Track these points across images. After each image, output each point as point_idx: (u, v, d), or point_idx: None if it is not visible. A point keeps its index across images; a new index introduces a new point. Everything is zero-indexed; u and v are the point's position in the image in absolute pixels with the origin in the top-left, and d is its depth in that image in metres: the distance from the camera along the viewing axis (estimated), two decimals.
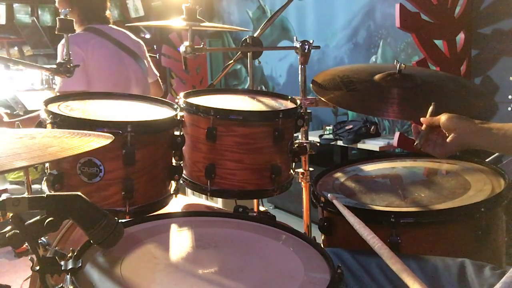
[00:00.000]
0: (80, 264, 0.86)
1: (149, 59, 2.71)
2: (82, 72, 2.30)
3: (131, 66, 2.51)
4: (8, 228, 0.81)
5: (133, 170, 1.19)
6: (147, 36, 5.92)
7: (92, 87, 2.37)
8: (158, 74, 2.76)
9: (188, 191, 3.06)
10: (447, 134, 1.21)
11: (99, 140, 0.88)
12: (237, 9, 5.55)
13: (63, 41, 2.37)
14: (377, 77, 1.53)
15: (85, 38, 2.40)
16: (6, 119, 2.36)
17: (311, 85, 1.54)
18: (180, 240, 1.07)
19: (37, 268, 0.82)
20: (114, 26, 2.59)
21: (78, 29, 2.49)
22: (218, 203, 3.07)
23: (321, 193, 1.42)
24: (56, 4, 2.49)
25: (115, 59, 2.44)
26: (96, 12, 2.50)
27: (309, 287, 0.89)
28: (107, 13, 2.57)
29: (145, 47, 2.67)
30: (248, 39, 1.77)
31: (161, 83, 2.79)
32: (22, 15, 5.87)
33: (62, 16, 1.54)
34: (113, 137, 0.92)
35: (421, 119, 1.26)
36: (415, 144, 1.23)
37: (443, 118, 1.21)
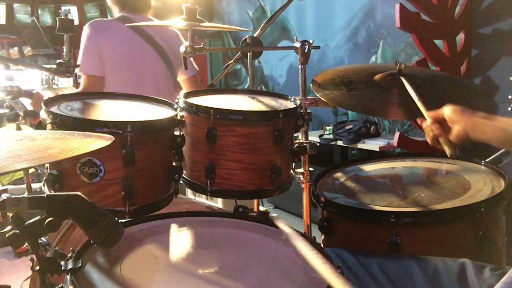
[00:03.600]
0: (80, 264, 0.86)
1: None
2: (97, 55, 2.30)
3: (154, 62, 2.44)
4: (8, 228, 0.81)
5: (133, 170, 1.19)
6: None
7: (107, 75, 2.35)
8: (196, 70, 2.65)
9: (188, 191, 3.07)
10: (451, 128, 1.17)
11: (99, 141, 0.88)
12: (237, 9, 5.55)
13: (86, 26, 2.33)
14: (377, 77, 1.53)
15: (106, 26, 2.38)
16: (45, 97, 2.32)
17: (311, 85, 1.54)
18: (180, 240, 1.07)
19: (37, 268, 0.82)
20: (151, 17, 2.51)
21: (114, 12, 2.50)
22: (218, 203, 3.07)
23: (321, 193, 1.42)
24: None
25: (134, 52, 2.40)
26: (140, 1, 2.47)
27: (309, 287, 0.89)
28: (150, 3, 2.50)
29: (181, 37, 2.56)
30: (248, 39, 1.77)
31: (198, 80, 2.68)
32: (22, 15, 5.87)
33: (62, 16, 1.54)
34: (113, 138, 0.92)
35: (428, 113, 1.22)
36: (450, 154, 1.15)
37: (446, 110, 1.18)
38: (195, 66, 2.64)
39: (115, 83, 2.33)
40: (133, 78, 2.38)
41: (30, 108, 2.59)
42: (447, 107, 1.19)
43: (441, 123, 1.20)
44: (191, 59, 2.61)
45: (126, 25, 2.48)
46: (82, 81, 2.35)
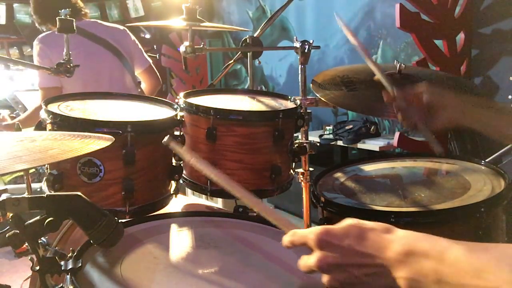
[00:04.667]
0: (80, 264, 0.86)
1: (138, 45, 2.68)
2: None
3: (106, 61, 2.50)
4: (8, 228, 0.81)
5: (133, 170, 1.19)
6: (147, 36, 5.92)
7: (63, 83, 2.41)
8: (150, 61, 2.73)
9: (188, 191, 3.07)
10: (426, 109, 1.08)
11: (99, 142, 0.88)
12: (237, 9, 5.55)
13: (36, 42, 2.39)
14: (377, 77, 1.53)
15: (53, 37, 2.41)
16: (9, 121, 2.38)
17: (311, 85, 1.54)
18: (180, 240, 1.07)
19: (37, 268, 0.82)
20: (90, 20, 2.60)
21: (53, 28, 2.51)
22: (218, 203, 3.07)
23: (321, 193, 1.42)
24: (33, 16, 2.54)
25: (86, 56, 2.43)
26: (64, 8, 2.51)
27: (309, 287, 0.89)
28: (78, 6, 2.56)
29: (128, 33, 2.65)
30: (248, 39, 1.77)
31: (155, 71, 2.75)
32: (22, 15, 5.87)
33: (62, 16, 1.54)
34: (113, 139, 0.92)
35: (397, 94, 1.11)
36: (438, 153, 1.10)
37: (426, 91, 1.06)
38: (148, 58, 2.72)
39: (74, 89, 2.35)
40: (91, 82, 2.43)
41: (30, 108, 2.61)
42: (424, 87, 1.07)
43: (411, 103, 1.10)
44: (142, 50, 2.68)
45: (125, 25, 2.51)
46: (40, 94, 2.45)
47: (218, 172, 0.92)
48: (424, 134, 1.11)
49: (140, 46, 2.71)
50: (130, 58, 2.61)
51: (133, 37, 2.67)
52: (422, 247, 0.62)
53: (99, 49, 2.49)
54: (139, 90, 2.70)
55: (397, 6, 2.65)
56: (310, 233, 0.71)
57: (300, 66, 1.63)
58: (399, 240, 0.65)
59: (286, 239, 0.76)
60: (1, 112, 2.48)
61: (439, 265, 0.60)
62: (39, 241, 0.82)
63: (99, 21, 2.66)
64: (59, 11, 1.53)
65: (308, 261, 0.72)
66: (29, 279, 1.50)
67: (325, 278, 0.71)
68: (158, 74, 2.78)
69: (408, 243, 0.64)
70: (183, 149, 0.99)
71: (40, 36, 2.45)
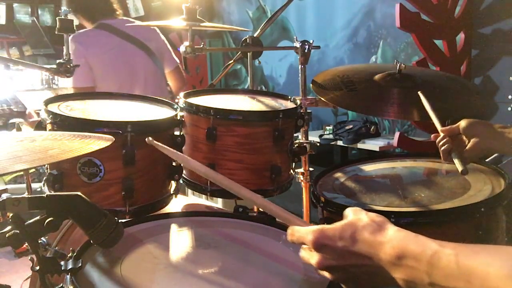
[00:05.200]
0: (80, 264, 0.86)
1: (167, 45, 2.68)
2: (86, 68, 2.35)
3: (140, 61, 2.50)
4: (8, 228, 0.81)
5: (133, 170, 1.19)
6: None
7: (98, 83, 2.41)
8: (178, 61, 2.72)
9: (188, 191, 3.07)
10: (466, 141, 1.22)
11: (99, 142, 0.88)
12: (237, 9, 5.55)
13: (71, 40, 2.41)
14: (377, 77, 1.53)
15: (89, 36, 2.41)
16: (35, 117, 2.38)
17: (311, 85, 1.54)
18: (180, 240, 1.07)
19: (37, 268, 0.82)
20: (125, 18, 2.60)
21: (88, 26, 2.51)
22: (218, 203, 3.07)
23: (321, 193, 1.42)
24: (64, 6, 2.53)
25: (121, 56, 2.44)
26: (103, 7, 2.52)
27: (309, 287, 0.89)
28: (115, 5, 2.57)
29: (159, 33, 2.66)
30: (248, 39, 1.77)
31: (182, 71, 2.75)
32: (22, 15, 5.88)
33: (62, 16, 1.54)
34: (113, 139, 0.92)
35: (441, 129, 1.25)
36: (461, 171, 1.16)
37: (463, 123, 1.20)
38: (176, 58, 2.73)
39: (108, 90, 2.35)
40: (126, 82, 2.43)
41: (30, 109, 2.61)
42: (463, 121, 1.21)
43: (455, 138, 1.23)
44: (171, 50, 2.68)
45: (127, 25, 2.52)
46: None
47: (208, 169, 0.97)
48: (455, 159, 1.20)
49: (169, 46, 2.71)
50: (161, 58, 2.61)
51: (163, 37, 2.67)
52: (413, 251, 0.65)
53: (133, 48, 2.48)
54: (169, 89, 2.70)
55: (397, 6, 2.65)
56: (307, 234, 0.74)
57: (300, 66, 1.63)
58: (390, 242, 0.67)
59: (288, 238, 0.79)
60: (28, 108, 2.48)
61: (430, 268, 0.62)
62: (39, 241, 0.82)
63: (130, 19, 2.66)
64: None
65: (309, 259, 0.75)
66: (29, 279, 1.50)
67: (327, 275, 0.74)
68: (184, 74, 2.78)
69: (398, 246, 0.66)
70: (168, 149, 1.01)
71: (76, 34, 2.45)
